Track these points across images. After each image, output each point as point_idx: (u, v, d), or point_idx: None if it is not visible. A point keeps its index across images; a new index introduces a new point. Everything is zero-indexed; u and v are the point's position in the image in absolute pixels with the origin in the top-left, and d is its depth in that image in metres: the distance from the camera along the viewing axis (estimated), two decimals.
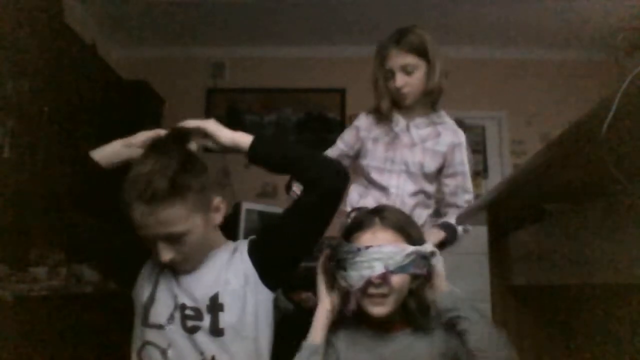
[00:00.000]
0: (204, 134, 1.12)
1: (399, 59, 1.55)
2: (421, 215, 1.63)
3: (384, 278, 1.03)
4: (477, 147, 4.24)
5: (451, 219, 1.59)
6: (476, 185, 4.13)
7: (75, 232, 1.16)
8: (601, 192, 0.71)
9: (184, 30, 4.07)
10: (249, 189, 4.12)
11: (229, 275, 1.08)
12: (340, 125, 4.32)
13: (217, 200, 1.10)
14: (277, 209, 3.82)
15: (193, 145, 1.12)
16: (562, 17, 3.72)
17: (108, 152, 1.19)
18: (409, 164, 1.61)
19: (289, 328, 1.21)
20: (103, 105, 3.40)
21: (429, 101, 1.63)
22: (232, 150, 1.12)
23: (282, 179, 4.89)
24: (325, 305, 1.11)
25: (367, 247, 1.05)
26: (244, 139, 1.10)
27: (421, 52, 1.55)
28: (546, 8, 3.63)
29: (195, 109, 4.31)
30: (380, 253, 1.04)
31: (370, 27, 3.72)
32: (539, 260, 1.02)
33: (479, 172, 4.18)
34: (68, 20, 2.87)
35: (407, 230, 1.10)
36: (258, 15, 3.82)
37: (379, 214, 1.11)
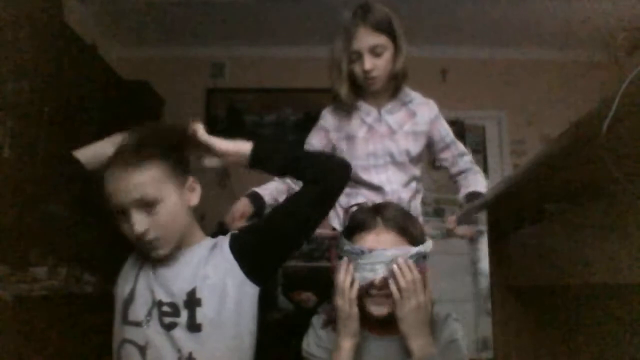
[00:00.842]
0: (201, 147, 1.13)
1: (369, 39, 1.43)
2: (417, 207, 1.59)
3: (386, 284, 1.04)
4: (477, 147, 4.24)
5: (467, 188, 1.57)
6: None
7: (75, 232, 1.17)
8: (601, 192, 0.71)
9: (184, 30, 4.07)
10: (249, 189, 4.12)
11: (208, 270, 1.07)
12: None
13: (191, 180, 1.12)
14: None
15: (213, 162, 1.16)
16: (562, 17, 3.72)
17: (92, 152, 1.17)
18: (394, 154, 1.52)
19: (289, 328, 1.21)
20: (103, 105, 3.40)
21: (395, 84, 1.53)
22: (231, 160, 1.13)
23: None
24: (356, 339, 1.07)
25: (371, 250, 1.05)
26: (244, 146, 1.14)
27: (389, 30, 1.45)
28: (546, 8, 3.63)
29: (195, 109, 4.31)
30: (383, 256, 1.04)
31: None
32: (539, 260, 1.02)
33: None
34: (68, 20, 2.87)
35: (409, 229, 1.11)
36: (258, 15, 3.82)
37: (381, 214, 1.11)
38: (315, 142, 1.64)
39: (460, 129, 4.21)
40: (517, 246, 1.17)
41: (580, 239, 0.80)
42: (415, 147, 1.54)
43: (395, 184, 1.53)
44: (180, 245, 1.09)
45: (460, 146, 1.63)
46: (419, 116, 1.55)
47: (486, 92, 4.21)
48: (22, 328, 1.84)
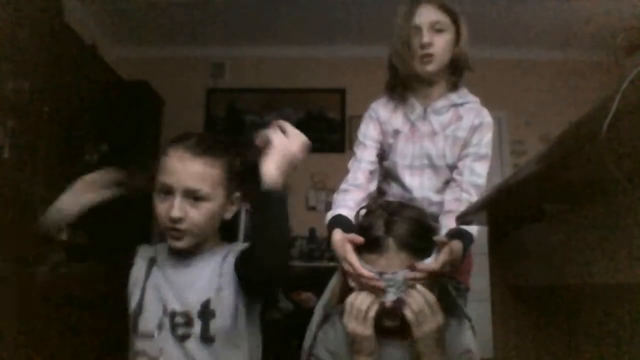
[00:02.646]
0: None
1: (430, 14, 1.38)
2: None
3: (397, 306, 1.04)
4: None
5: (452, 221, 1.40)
6: None
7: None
8: (601, 192, 0.71)
9: (184, 30, 4.07)
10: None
11: (222, 282, 1.06)
12: (340, 125, 4.32)
13: (237, 194, 1.12)
14: None
15: None
16: (562, 17, 3.72)
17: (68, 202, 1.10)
18: (432, 157, 1.41)
19: (289, 328, 1.21)
20: (103, 105, 3.40)
21: (452, 76, 1.46)
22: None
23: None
24: (372, 358, 1.05)
25: (382, 274, 1.04)
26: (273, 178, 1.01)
27: (452, 13, 1.42)
28: (546, 8, 3.63)
29: (195, 109, 4.32)
30: (394, 281, 1.04)
31: (370, 27, 3.72)
32: (539, 260, 1.02)
33: None
34: (68, 20, 2.87)
35: (420, 245, 1.08)
36: (258, 15, 3.82)
37: (393, 233, 1.05)
38: (372, 132, 1.49)
39: None
40: (517, 246, 1.17)
41: (580, 239, 0.80)
42: (453, 152, 1.42)
43: (427, 190, 1.43)
44: (196, 248, 1.09)
45: (479, 167, 1.42)
46: (464, 120, 1.44)
47: (486, 92, 4.20)
48: (22, 328, 1.84)
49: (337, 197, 1.43)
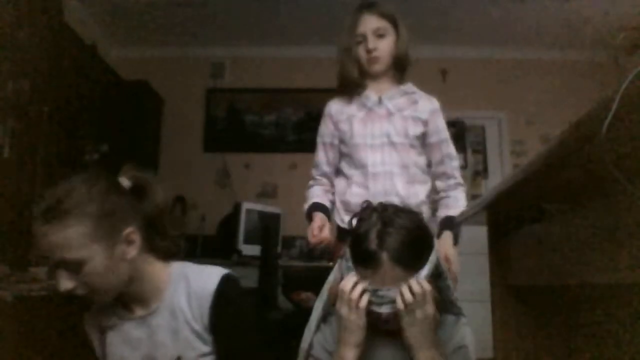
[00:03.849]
0: None
1: (372, 22, 1.57)
2: (417, 193, 1.55)
3: (391, 321, 1.03)
4: (477, 147, 4.24)
5: (446, 209, 1.56)
6: (476, 185, 4.16)
7: None
8: (601, 192, 0.71)
9: (184, 30, 4.07)
10: (249, 189, 4.12)
11: (192, 338, 1.01)
12: None
13: (128, 231, 0.96)
14: (277, 209, 3.83)
15: (124, 182, 1.04)
16: (562, 17, 3.72)
17: None
18: (390, 134, 1.55)
19: (289, 328, 1.20)
20: (103, 105, 3.40)
21: (397, 71, 1.62)
22: None
23: (282, 180, 4.88)
24: (360, 348, 1.05)
25: (376, 291, 1.03)
26: None
27: (391, 18, 1.58)
28: (546, 8, 3.63)
29: (195, 109, 4.32)
30: (388, 298, 1.03)
31: None
32: (539, 260, 1.02)
33: (479, 172, 4.18)
34: (68, 20, 2.87)
35: (416, 257, 1.05)
36: (258, 15, 3.82)
37: (387, 247, 1.01)
38: (323, 130, 1.68)
39: (460, 129, 4.21)
40: (517, 246, 1.17)
41: (580, 239, 0.80)
42: (415, 129, 1.56)
43: (389, 165, 1.54)
44: (133, 296, 1.02)
45: (452, 148, 1.62)
46: (420, 105, 1.59)
47: (486, 92, 4.22)
48: (22, 328, 1.84)
49: (308, 192, 1.73)
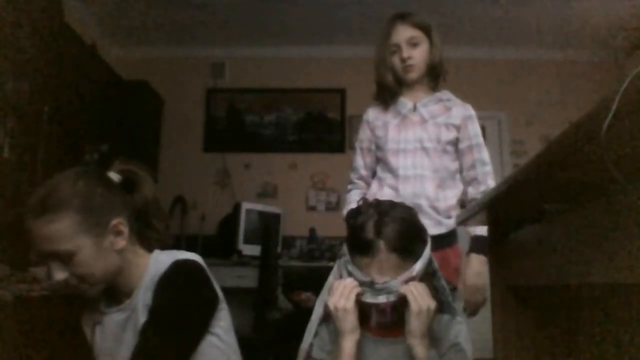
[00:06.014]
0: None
1: (406, 32, 1.60)
2: (447, 197, 1.58)
3: (388, 311, 1.05)
4: None
5: (477, 229, 1.54)
6: None
7: None
8: (601, 192, 0.71)
9: (184, 30, 4.07)
10: (249, 189, 4.12)
11: None
12: (340, 125, 4.32)
13: (115, 222, 1.00)
14: (277, 209, 3.84)
15: (114, 176, 1.07)
16: (562, 17, 3.72)
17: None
18: (423, 140, 1.59)
19: (289, 328, 1.20)
20: (103, 105, 3.40)
21: (432, 79, 1.66)
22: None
23: (282, 180, 4.88)
24: (356, 335, 1.06)
25: (373, 282, 1.05)
26: None
27: (424, 28, 1.62)
28: (546, 8, 3.64)
29: (195, 109, 4.32)
30: (386, 290, 1.05)
31: (370, 27, 3.72)
32: (539, 260, 1.02)
33: None
34: (68, 20, 2.87)
35: (412, 248, 1.08)
36: (258, 15, 3.82)
37: (383, 235, 1.05)
38: (362, 135, 1.74)
39: None
40: (517, 246, 1.17)
41: (580, 239, 0.80)
42: (448, 135, 1.60)
43: (420, 169, 1.58)
44: (120, 288, 1.04)
45: (486, 155, 1.64)
46: (454, 111, 1.63)
47: (486, 92, 4.22)
48: (22, 328, 1.84)
49: (347, 196, 1.76)
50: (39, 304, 1.98)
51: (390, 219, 1.09)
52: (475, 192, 1.61)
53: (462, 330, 1.15)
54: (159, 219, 1.10)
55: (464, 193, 1.64)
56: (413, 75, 1.61)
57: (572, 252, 0.82)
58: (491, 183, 1.61)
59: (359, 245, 1.08)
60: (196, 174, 4.13)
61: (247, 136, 4.31)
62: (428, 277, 1.12)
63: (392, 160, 1.61)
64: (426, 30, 1.62)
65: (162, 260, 1.05)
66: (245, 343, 1.19)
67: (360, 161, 1.72)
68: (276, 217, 3.75)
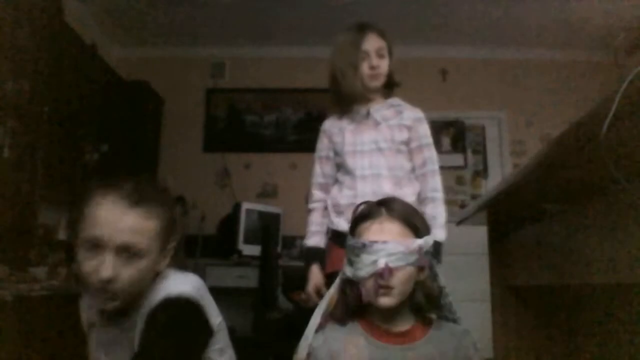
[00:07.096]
0: None
1: (376, 42, 1.68)
2: (405, 195, 1.60)
3: (386, 273, 1.03)
4: (477, 147, 4.24)
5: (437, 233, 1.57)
6: (476, 185, 4.16)
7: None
8: (601, 192, 0.71)
9: (184, 30, 4.07)
10: (249, 189, 4.12)
11: None
12: None
13: (172, 245, 1.02)
14: (277, 209, 3.83)
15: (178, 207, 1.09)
16: (562, 17, 3.72)
17: None
18: (378, 141, 1.67)
19: (289, 328, 1.19)
20: (103, 105, 3.40)
21: (386, 88, 1.75)
22: None
23: (282, 180, 4.87)
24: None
25: (372, 243, 1.05)
26: None
27: (388, 41, 1.72)
28: (546, 8, 3.63)
29: (195, 109, 4.32)
30: (384, 250, 1.04)
31: None
32: (539, 260, 1.02)
33: (479, 172, 4.18)
34: (68, 20, 2.87)
35: (414, 221, 1.10)
36: (258, 15, 3.82)
37: (386, 205, 1.10)
38: (320, 145, 1.80)
39: (460, 129, 4.21)
40: (517, 246, 1.17)
41: (580, 239, 0.80)
42: (401, 135, 1.68)
43: (376, 169, 1.64)
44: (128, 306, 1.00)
45: (434, 154, 1.71)
46: (405, 114, 1.72)
47: (486, 92, 4.21)
48: (22, 328, 1.84)
49: (309, 218, 1.85)
50: (39, 304, 1.98)
51: (393, 198, 1.14)
52: (424, 191, 1.67)
53: (474, 346, 1.14)
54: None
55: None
56: (377, 83, 1.69)
57: (572, 252, 0.82)
58: (438, 182, 1.67)
59: (361, 215, 1.10)
60: (196, 174, 4.13)
61: (247, 136, 4.31)
62: (430, 278, 1.10)
63: (350, 161, 1.68)
64: (389, 43, 1.71)
65: (160, 289, 1.00)
66: (245, 343, 1.19)
67: (319, 170, 1.79)
68: (276, 217, 3.74)
